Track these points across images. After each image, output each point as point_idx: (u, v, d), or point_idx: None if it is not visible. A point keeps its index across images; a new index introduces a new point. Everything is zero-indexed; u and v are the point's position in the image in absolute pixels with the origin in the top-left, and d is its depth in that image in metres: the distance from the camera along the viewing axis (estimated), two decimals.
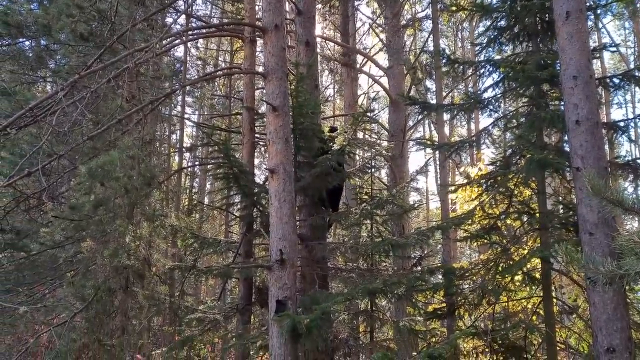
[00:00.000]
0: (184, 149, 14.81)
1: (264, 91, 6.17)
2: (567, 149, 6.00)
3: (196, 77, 16.97)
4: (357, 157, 10.40)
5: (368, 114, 9.11)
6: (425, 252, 8.25)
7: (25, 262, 8.64)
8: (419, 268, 7.66)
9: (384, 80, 13.91)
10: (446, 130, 19.01)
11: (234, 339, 6.69)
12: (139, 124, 6.54)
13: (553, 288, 7.15)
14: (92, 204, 4.83)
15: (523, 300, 8.07)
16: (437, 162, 13.99)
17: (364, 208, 7.45)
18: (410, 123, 16.70)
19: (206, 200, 18.96)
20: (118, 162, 4.74)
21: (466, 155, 22.85)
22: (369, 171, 8.49)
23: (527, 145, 6.44)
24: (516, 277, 7.50)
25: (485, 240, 7.35)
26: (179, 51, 16.77)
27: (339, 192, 7.84)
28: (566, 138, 6.59)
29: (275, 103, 5.84)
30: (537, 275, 6.97)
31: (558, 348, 7.16)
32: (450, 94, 14.44)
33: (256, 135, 8.48)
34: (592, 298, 5.31)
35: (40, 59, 7.73)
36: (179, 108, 16.69)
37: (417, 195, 25.47)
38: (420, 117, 15.20)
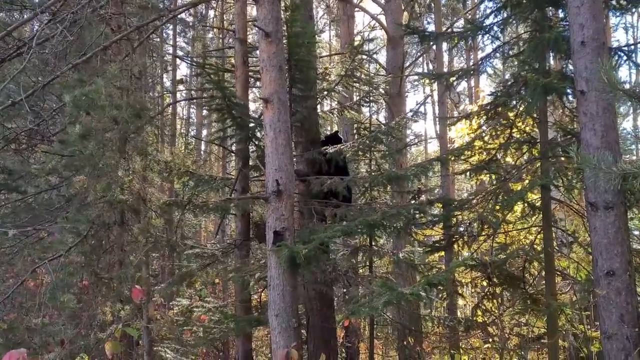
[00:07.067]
0: (176, 82, 14.53)
1: (256, 17, 5.87)
2: (571, 75, 5.81)
3: (187, 17, 16.50)
4: (355, 94, 10.16)
5: (365, 47, 8.78)
6: (424, 184, 8.17)
7: (20, 205, 8.55)
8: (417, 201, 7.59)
9: (382, 19, 13.53)
10: (445, 69, 18.66)
11: (232, 273, 6.68)
12: (128, 57, 6.29)
13: (553, 220, 7.10)
14: (78, 134, 4.67)
15: (522, 232, 8.06)
16: (436, 100, 13.75)
17: (363, 142, 7.29)
18: (407, 64, 16.35)
19: (203, 145, 18.82)
20: (103, 90, 4.55)
21: (465, 96, 22.62)
22: (367, 105, 8.29)
23: (530, 70, 6.23)
24: (516, 209, 7.45)
25: (485, 172, 7.24)
26: None
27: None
28: (570, 65, 6.41)
29: (268, 29, 5.56)
30: (538, 204, 6.90)
31: (556, 278, 7.19)
32: (449, 30, 14.02)
33: (249, 72, 8.20)
34: (592, 223, 5.25)
35: None
36: (170, 50, 16.31)
37: (414, 139, 25.47)
38: (418, 54, 14.84)
